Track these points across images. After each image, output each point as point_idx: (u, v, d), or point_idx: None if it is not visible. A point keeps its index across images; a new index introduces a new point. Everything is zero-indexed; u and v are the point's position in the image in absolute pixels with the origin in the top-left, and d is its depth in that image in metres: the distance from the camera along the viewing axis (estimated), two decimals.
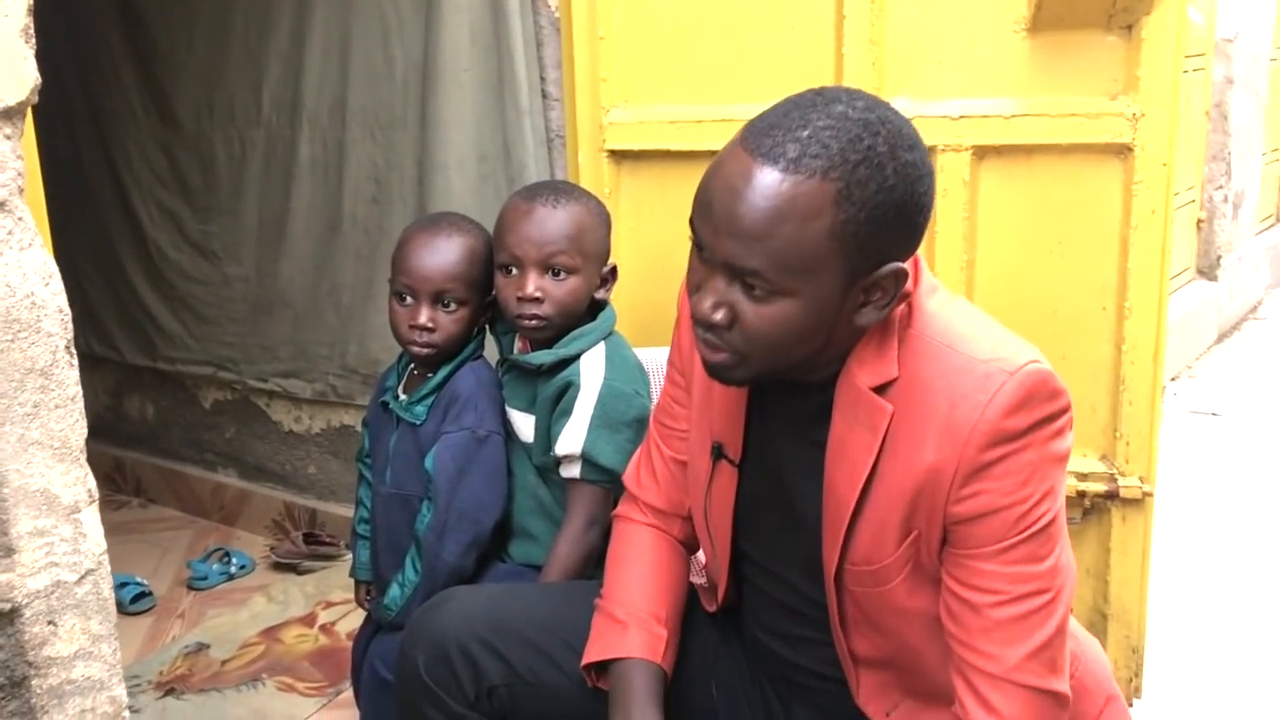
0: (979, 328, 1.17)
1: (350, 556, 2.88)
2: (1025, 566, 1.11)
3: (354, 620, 2.63)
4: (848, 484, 1.17)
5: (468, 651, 1.40)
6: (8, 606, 1.27)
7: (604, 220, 1.76)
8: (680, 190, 2.09)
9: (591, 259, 1.71)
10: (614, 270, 1.78)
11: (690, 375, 1.40)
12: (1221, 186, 5.34)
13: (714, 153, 1.95)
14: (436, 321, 1.74)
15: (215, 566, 2.93)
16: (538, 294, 1.67)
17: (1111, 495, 1.98)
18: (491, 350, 1.88)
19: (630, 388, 1.69)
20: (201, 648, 2.54)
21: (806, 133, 1.05)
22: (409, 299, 1.76)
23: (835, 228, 1.05)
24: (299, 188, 2.82)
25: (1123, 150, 1.85)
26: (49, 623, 1.32)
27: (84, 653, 1.36)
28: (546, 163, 2.36)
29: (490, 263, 1.77)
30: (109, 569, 1.38)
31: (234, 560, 2.96)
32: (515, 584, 1.69)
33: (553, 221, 1.67)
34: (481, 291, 1.78)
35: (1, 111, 1.21)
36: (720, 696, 1.45)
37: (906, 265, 1.12)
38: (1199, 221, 5.28)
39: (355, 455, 2.06)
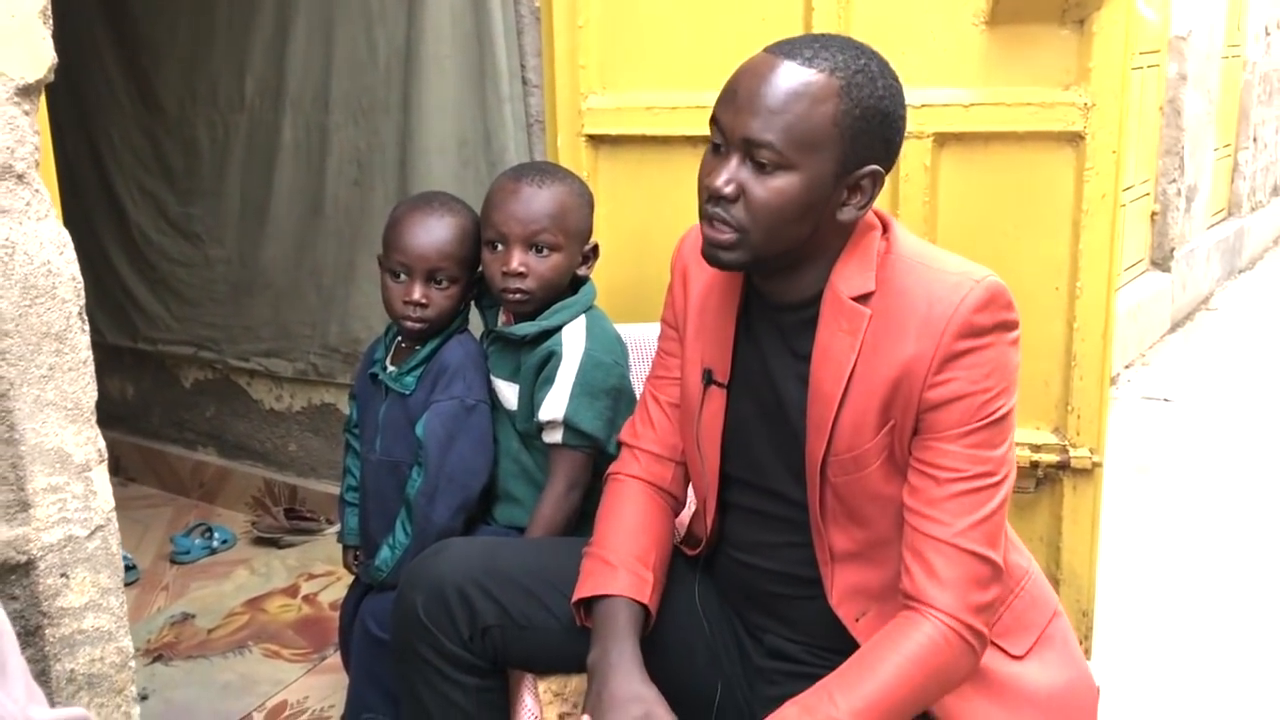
0: (945, 253, 1.40)
1: (331, 531, 3.00)
2: (981, 450, 1.29)
3: (336, 591, 2.71)
4: (832, 381, 1.33)
5: (464, 594, 1.49)
6: (24, 559, 1.34)
7: (587, 200, 1.85)
8: (656, 174, 2.20)
9: (574, 237, 1.80)
10: (595, 248, 1.86)
11: (684, 323, 1.53)
12: (1175, 180, 5.48)
13: (688, 138, 2.12)
14: (429, 298, 1.81)
15: (198, 541, 3.00)
16: (522, 269, 1.76)
17: (1063, 466, 2.08)
18: (475, 323, 1.96)
19: (610, 358, 1.78)
20: (187, 617, 2.62)
21: (819, 44, 1.30)
22: (402, 276, 1.83)
23: (837, 115, 1.26)
24: (282, 171, 2.89)
25: (1075, 138, 1.95)
26: (61, 575, 1.39)
27: (94, 605, 1.44)
28: (526, 147, 2.45)
29: (479, 241, 1.85)
30: (117, 526, 1.46)
31: (216, 535, 3.03)
32: (506, 537, 1.79)
33: (537, 201, 1.76)
34: (471, 268, 1.86)
35: (21, 89, 1.28)
36: (697, 645, 1.54)
37: (884, 173, 1.32)
38: (1153, 214, 5.43)
39: (343, 426, 2.13)
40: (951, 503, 1.28)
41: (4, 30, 1.25)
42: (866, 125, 1.28)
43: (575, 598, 1.48)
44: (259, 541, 3.05)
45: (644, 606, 1.46)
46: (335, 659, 2.41)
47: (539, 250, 1.77)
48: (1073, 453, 2.07)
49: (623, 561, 1.48)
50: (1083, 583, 2.16)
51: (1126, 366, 4.92)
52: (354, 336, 2.89)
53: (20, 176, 1.29)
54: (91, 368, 1.40)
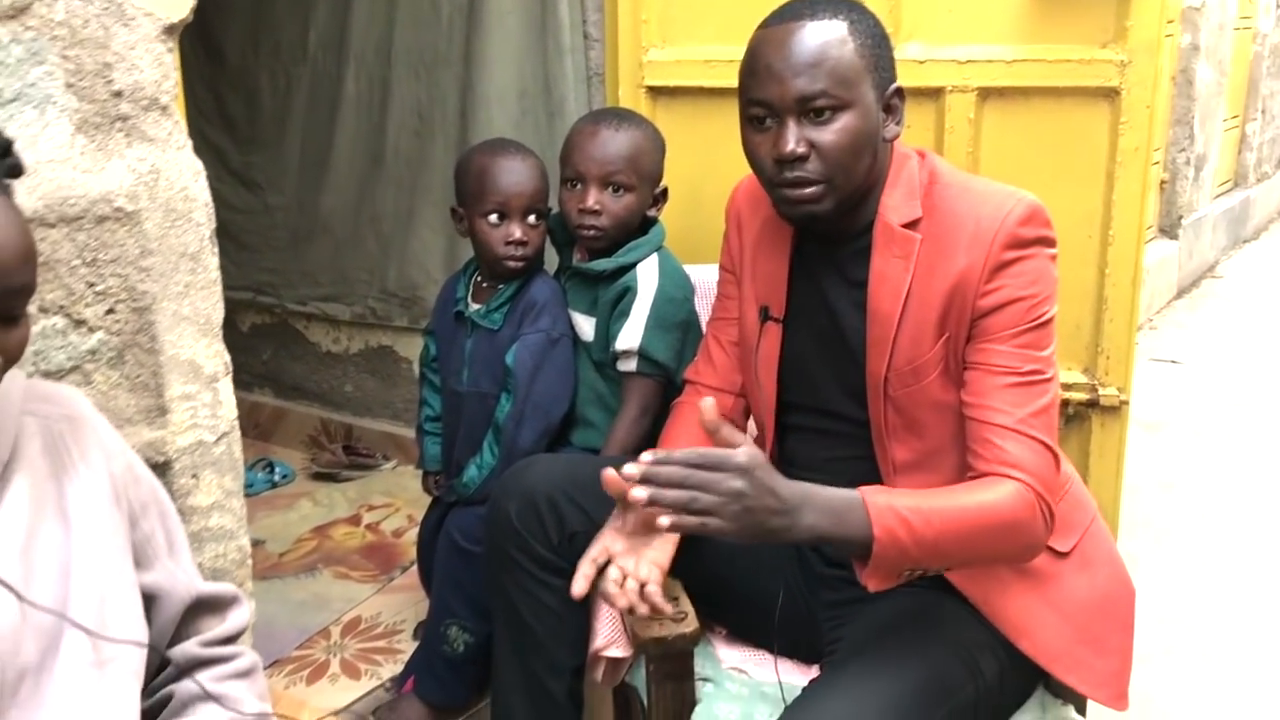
0: (985, 180, 1.54)
1: (387, 466, 3.16)
2: (1030, 350, 1.41)
3: (396, 520, 2.88)
4: (890, 303, 1.46)
5: (553, 501, 1.64)
6: (162, 459, 1.49)
7: (659, 146, 1.99)
8: (712, 124, 2.32)
9: (646, 179, 1.93)
10: (665, 191, 2.01)
11: (740, 266, 1.66)
12: (1184, 149, 5.57)
13: None
14: (529, 235, 1.94)
15: (260, 475, 3.15)
16: (597, 207, 1.89)
17: (1092, 404, 2.21)
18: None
19: (680, 294, 1.92)
20: (257, 543, 2.77)
21: (805, 4, 1.43)
22: (499, 218, 1.95)
23: (859, 49, 1.41)
24: (343, 122, 3.02)
25: (1110, 94, 2.06)
26: (192, 476, 1.54)
27: (218, 505, 1.58)
28: (585, 98, 2.57)
29: (548, 182, 1.98)
30: (239, 433, 1.60)
31: (277, 470, 3.18)
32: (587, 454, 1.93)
33: (614, 143, 1.90)
34: (548, 204, 2.00)
35: (167, 27, 1.41)
36: (761, 555, 1.67)
37: (900, 86, 1.47)
38: (1162, 183, 5.52)
39: (420, 361, 2.26)
40: (1009, 393, 1.40)
41: None
42: (880, 50, 1.44)
43: None
44: (317, 476, 3.21)
45: None
46: (403, 579, 2.57)
47: (614, 190, 1.90)
48: (1101, 391, 2.20)
49: (677, 445, 1.61)
50: (1108, 514, 2.30)
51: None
52: (411, 281, 3.03)
53: (164, 109, 1.43)
54: (220, 287, 1.54)
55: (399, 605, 2.49)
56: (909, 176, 1.49)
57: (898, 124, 1.48)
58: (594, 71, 2.55)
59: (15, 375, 1.10)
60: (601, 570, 1.53)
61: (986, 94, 2.13)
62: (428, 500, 2.27)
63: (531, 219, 1.96)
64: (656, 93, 2.35)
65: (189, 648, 1.19)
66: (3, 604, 0.97)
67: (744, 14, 2.26)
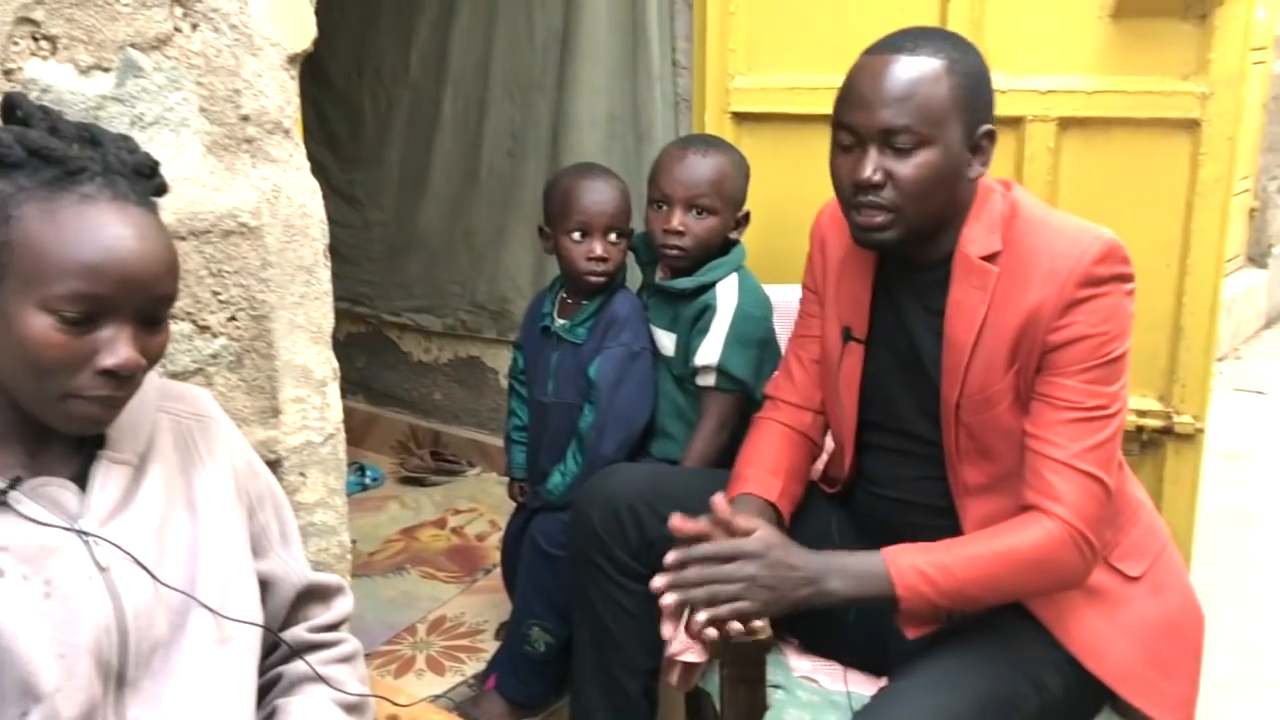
0: (1064, 214, 1.57)
1: (473, 472, 3.27)
2: (1097, 386, 1.44)
3: (480, 525, 2.99)
4: (964, 332, 1.50)
5: (635, 510, 1.72)
6: (273, 458, 1.59)
7: (744, 172, 2.07)
8: (794, 149, 2.40)
9: (729, 203, 2.01)
10: (747, 215, 2.08)
11: (823, 287, 1.72)
12: (1276, 177, 5.47)
13: (827, 116, 2.28)
14: (609, 252, 2.04)
15: (352, 477, 3.28)
16: (681, 228, 1.98)
17: (1167, 431, 2.23)
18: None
19: (759, 312, 2.00)
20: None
21: (910, 38, 1.47)
22: (582, 236, 2.05)
23: (952, 88, 1.44)
24: (440, 142, 3.16)
25: (1191, 125, 2.09)
26: (300, 474, 1.64)
27: (323, 502, 1.68)
28: (673, 124, 2.66)
29: (631, 203, 2.07)
30: (344, 435, 1.70)
31: (368, 473, 3.31)
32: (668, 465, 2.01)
33: (700, 168, 1.99)
34: (630, 223, 2.09)
35: (290, 56, 1.53)
36: None
37: (994, 128, 1.50)
38: (1251, 210, 5.43)
39: (509, 373, 2.36)
40: (1067, 428, 1.44)
41: (279, 7, 1.49)
42: (975, 92, 1.46)
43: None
44: (405, 480, 3.33)
45: (770, 503, 1.65)
46: (487, 581, 2.67)
47: (698, 212, 1.99)
48: (1176, 419, 2.21)
49: (752, 473, 1.69)
50: (1182, 542, 2.31)
51: (1220, 359, 4.95)
52: (501, 295, 3.15)
53: (286, 132, 1.54)
54: (331, 298, 1.64)
55: (482, 606, 2.59)
56: (991, 210, 1.52)
57: (983, 164, 1.50)
58: (681, 97, 2.64)
59: (150, 376, 1.21)
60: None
61: (1067, 124, 2.17)
62: (510, 506, 2.37)
63: (612, 237, 2.05)
64: (741, 118, 2.43)
65: (298, 632, 1.29)
66: (139, 583, 1.07)
67: (827, 43, 2.36)
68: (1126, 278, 1.47)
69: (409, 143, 3.26)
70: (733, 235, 2.06)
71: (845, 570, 1.43)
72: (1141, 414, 2.22)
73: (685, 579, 1.40)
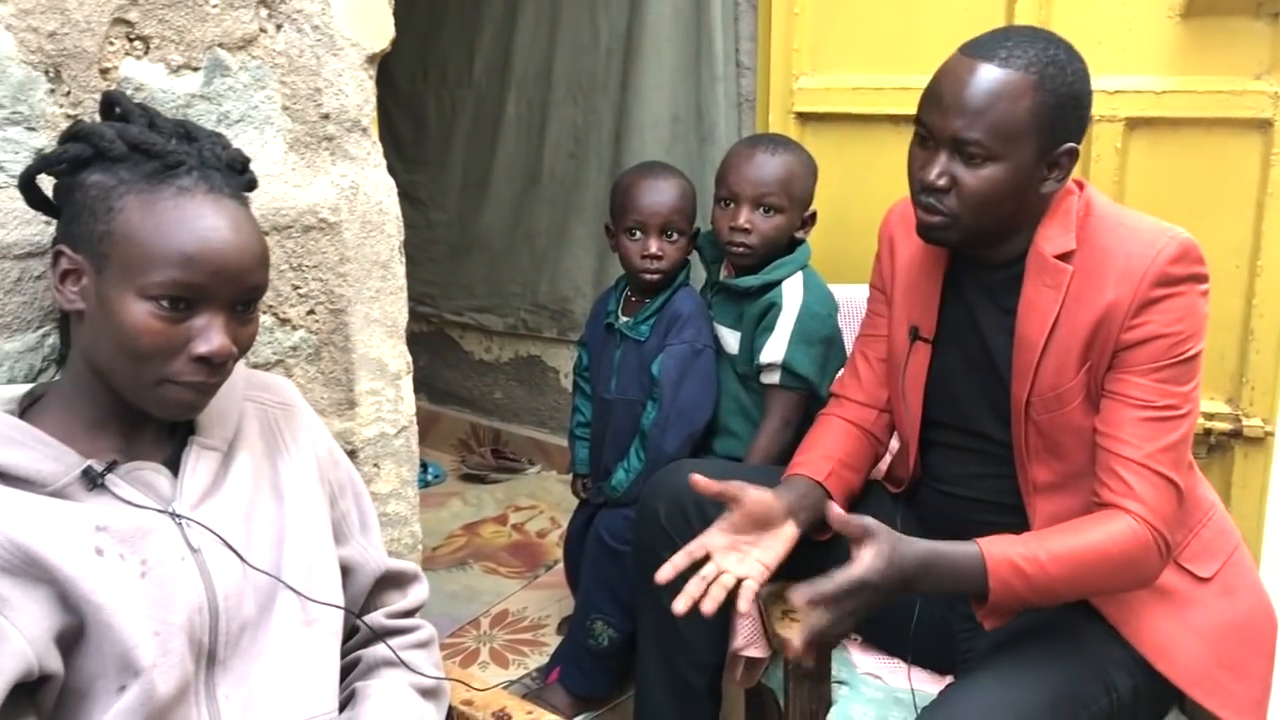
0: (1140, 215, 1.53)
1: (533, 470, 3.30)
2: (1169, 385, 1.44)
3: (540, 522, 3.02)
4: (1037, 330, 1.49)
5: (700, 505, 1.73)
6: (348, 449, 1.62)
7: (812, 171, 2.08)
8: (858, 149, 2.41)
9: (796, 202, 2.03)
10: (814, 215, 2.10)
11: (891, 286, 1.72)
12: None
13: (890, 116, 2.33)
14: (663, 250, 2.06)
15: None
16: (747, 225, 2.00)
17: (1236, 434, 2.21)
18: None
19: (824, 310, 2.01)
20: None
21: (1010, 42, 1.43)
22: (638, 233, 2.07)
23: (1034, 107, 1.41)
24: (504, 143, 3.20)
25: (1263, 125, 2.07)
26: (374, 465, 1.67)
27: (395, 493, 1.71)
28: (736, 124, 2.67)
29: (695, 201, 2.09)
30: (415, 427, 1.73)
31: (430, 469, 3.36)
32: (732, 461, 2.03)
33: (768, 167, 2.00)
34: (692, 224, 2.11)
35: (369, 56, 1.56)
36: None
37: (1078, 146, 1.46)
38: None
39: (574, 370, 2.39)
40: (1142, 426, 1.43)
41: (359, 8, 1.53)
42: (1061, 111, 1.42)
43: None
44: (466, 478, 3.37)
45: (818, 483, 1.66)
46: (548, 576, 2.70)
47: (765, 210, 2.00)
48: (1245, 422, 2.19)
49: (808, 457, 1.70)
50: (1251, 545, 2.28)
51: None
52: (562, 295, 3.18)
53: (364, 130, 1.57)
54: (405, 293, 1.67)
55: (544, 601, 2.62)
56: (1067, 209, 1.51)
57: (1059, 181, 1.48)
58: (744, 98, 2.65)
59: (238, 365, 1.25)
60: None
61: (1135, 124, 2.16)
62: (570, 503, 2.39)
63: (671, 235, 2.06)
64: (806, 118, 2.44)
65: (376, 618, 1.32)
66: (229, 565, 1.10)
67: (892, 44, 2.37)
68: (1201, 278, 1.46)
69: (472, 144, 3.30)
70: (799, 234, 2.07)
71: (940, 563, 1.41)
72: (1209, 417, 2.21)
73: (816, 625, 1.38)
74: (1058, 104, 1.41)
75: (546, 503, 3.18)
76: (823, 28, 2.40)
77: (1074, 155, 1.47)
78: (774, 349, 1.98)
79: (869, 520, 1.40)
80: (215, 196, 1.07)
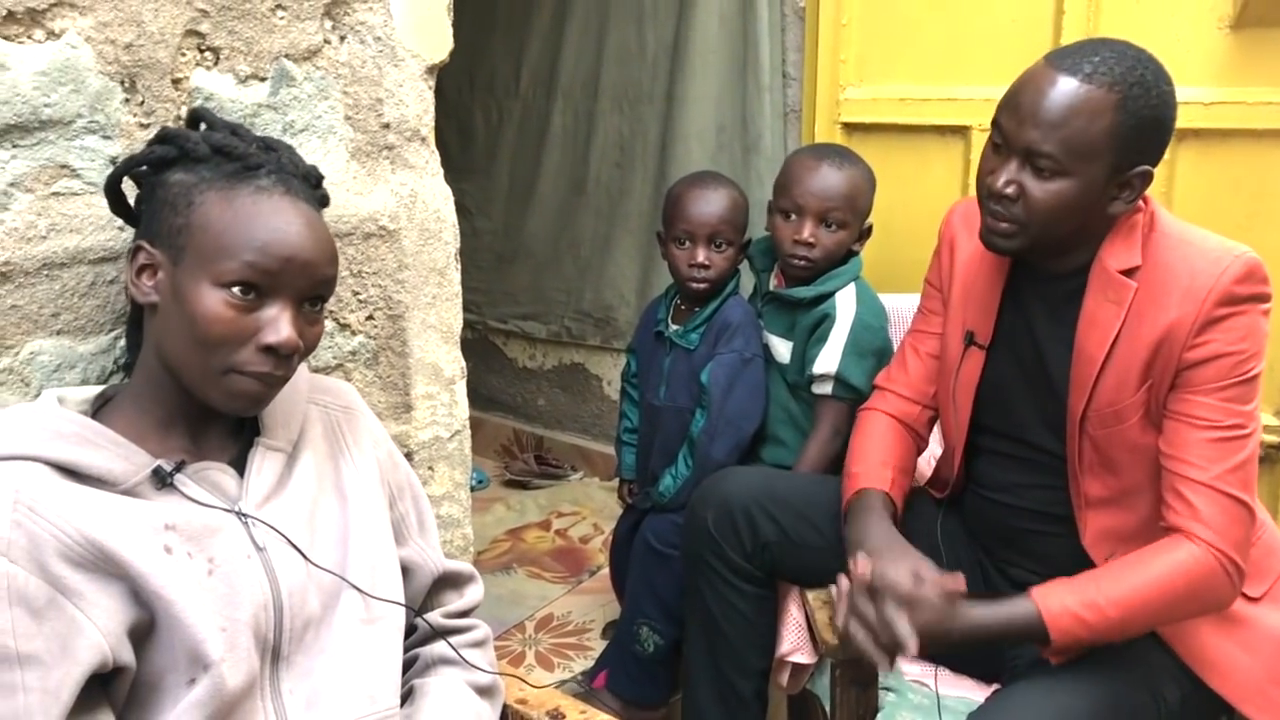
0: (1205, 232, 1.52)
1: (575, 477, 3.33)
2: (1234, 404, 1.43)
3: (583, 528, 3.04)
4: (1097, 345, 1.49)
5: (748, 513, 1.75)
6: (405, 451, 1.65)
7: (873, 185, 2.08)
8: (905, 160, 2.42)
9: (858, 216, 2.04)
10: (870, 228, 2.10)
11: (948, 287, 1.72)
12: None
13: (936, 127, 2.34)
14: (711, 260, 2.07)
15: None
16: (812, 240, 2.00)
17: None
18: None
19: (877, 322, 2.02)
20: None
21: (1098, 57, 1.40)
22: (686, 243, 2.09)
23: (1113, 127, 1.38)
24: (549, 153, 3.23)
25: None
26: (429, 468, 1.70)
27: (449, 495, 1.75)
28: (782, 134, 2.69)
29: (747, 211, 2.10)
30: (469, 432, 1.76)
31: (473, 475, 3.38)
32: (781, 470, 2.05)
33: (834, 181, 2.00)
34: (743, 235, 2.12)
35: (429, 67, 1.60)
36: (947, 569, 1.74)
37: (1153, 170, 1.44)
38: None
39: (622, 376, 2.41)
40: (1207, 448, 1.42)
41: (420, 20, 1.57)
42: (1140, 133, 1.40)
43: (844, 508, 1.69)
44: (509, 484, 3.40)
45: (886, 494, 1.66)
46: (592, 582, 2.72)
47: (829, 225, 2.01)
48: None
49: (865, 468, 1.70)
50: None
51: None
52: (606, 303, 3.21)
53: (424, 139, 1.62)
54: (460, 300, 1.70)
55: (588, 606, 2.65)
56: (1132, 224, 1.49)
57: (1128, 202, 1.46)
58: (790, 108, 2.67)
59: (301, 369, 1.28)
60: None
61: (1183, 135, 2.16)
62: (613, 510, 2.42)
63: (719, 245, 2.08)
64: (852, 128, 2.46)
65: (433, 617, 1.35)
66: (293, 563, 1.13)
67: (939, 55, 2.39)
68: (1265, 297, 1.45)
69: (518, 154, 3.34)
70: (854, 247, 2.08)
71: (992, 630, 1.42)
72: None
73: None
74: (1137, 125, 1.39)
75: (589, 509, 3.21)
76: (869, 39, 2.42)
77: (1147, 178, 1.45)
78: (828, 360, 1.99)
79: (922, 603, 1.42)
80: (291, 198, 1.10)
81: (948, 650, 1.48)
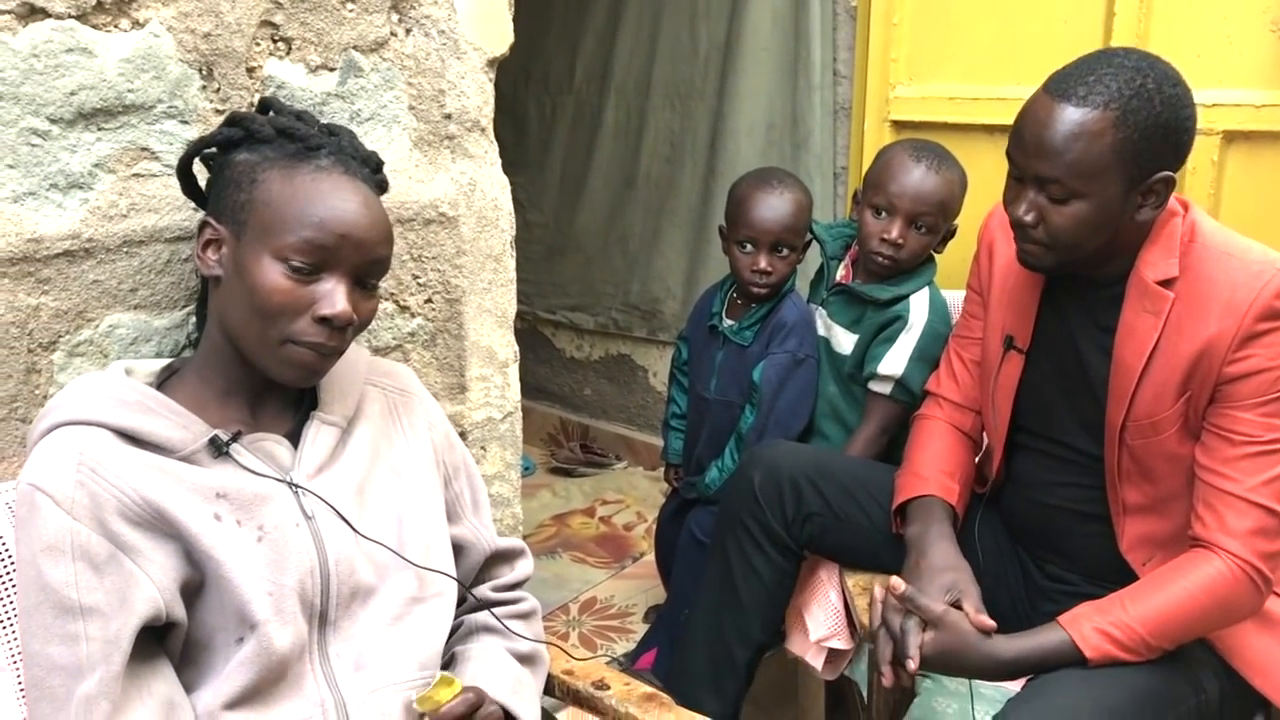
0: (1246, 241, 1.50)
1: (620, 466, 3.38)
2: (1274, 419, 1.42)
3: (626, 516, 3.10)
4: (1135, 356, 1.49)
5: (796, 483, 1.77)
6: (459, 431, 1.70)
7: (964, 189, 2.04)
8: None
9: (947, 220, 2.01)
10: (954, 230, 2.06)
11: (988, 290, 1.74)
12: None
13: (986, 126, 2.36)
14: (773, 266, 2.07)
15: None
16: (900, 240, 1.97)
17: None
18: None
19: (946, 330, 1.99)
20: None
21: (1093, 77, 1.40)
22: (749, 247, 2.09)
23: (1115, 145, 1.38)
24: (601, 148, 3.28)
25: None
26: (481, 448, 1.75)
27: (499, 475, 1.80)
28: (831, 132, 2.72)
29: (811, 212, 2.10)
30: (521, 414, 1.81)
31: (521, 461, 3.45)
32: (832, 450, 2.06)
33: (930, 183, 1.97)
34: (804, 236, 2.11)
35: (490, 60, 1.65)
36: (985, 563, 1.76)
37: (1175, 174, 1.44)
38: None
39: (672, 363, 2.44)
40: (1245, 462, 1.42)
41: (482, 14, 1.61)
42: (1148, 144, 1.38)
43: (895, 503, 1.72)
44: (555, 471, 3.46)
45: (952, 507, 1.69)
46: (635, 567, 2.77)
47: (918, 228, 1.98)
48: None
49: (932, 475, 1.72)
50: None
51: None
52: (653, 295, 3.25)
53: (483, 130, 1.66)
54: (514, 286, 1.75)
55: (631, 590, 2.70)
56: (1171, 233, 1.49)
57: (1155, 208, 1.45)
58: (840, 106, 2.70)
59: (361, 351, 1.33)
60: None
61: (1232, 137, 2.17)
62: (657, 499, 2.45)
63: (781, 251, 2.08)
64: (901, 126, 2.49)
65: (483, 591, 1.38)
66: (341, 533, 1.17)
67: (990, 54, 2.41)
68: None
69: (570, 148, 3.40)
70: (934, 249, 2.07)
71: (1029, 653, 1.45)
72: None
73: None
74: (1143, 136, 1.38)
75: (633, 497, 3.26)
76: (920, 38, 2.45)
77: (1170, 183, 1.44)
78: (893, 363, 1.99)
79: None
80: (350, 178, 1.15)
81: (963, 676, 1.51)
